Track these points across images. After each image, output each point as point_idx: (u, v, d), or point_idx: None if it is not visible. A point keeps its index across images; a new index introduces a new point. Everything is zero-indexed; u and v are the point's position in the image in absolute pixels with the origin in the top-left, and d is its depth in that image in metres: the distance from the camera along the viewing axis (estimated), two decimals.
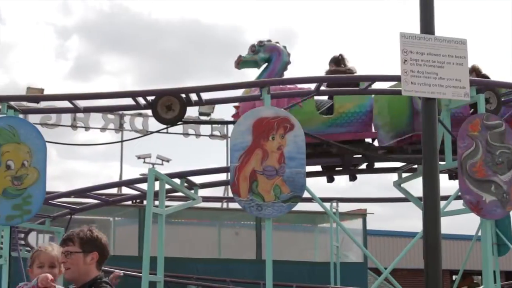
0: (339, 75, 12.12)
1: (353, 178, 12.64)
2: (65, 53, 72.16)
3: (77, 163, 63.34)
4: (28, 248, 16.75)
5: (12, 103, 10.71)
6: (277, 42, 12.15)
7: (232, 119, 12.03)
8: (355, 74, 12.21)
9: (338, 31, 70.92)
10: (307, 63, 67.51)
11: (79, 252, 4.91)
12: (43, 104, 13.54)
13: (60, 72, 68.30)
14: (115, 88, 70.22)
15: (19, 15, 68.71)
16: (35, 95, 12.67)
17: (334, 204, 18.15)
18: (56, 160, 52.66)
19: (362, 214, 23.12)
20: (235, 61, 11.95)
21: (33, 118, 22.45)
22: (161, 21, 68.16)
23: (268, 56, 12.04)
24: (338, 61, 12.41)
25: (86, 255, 4.93)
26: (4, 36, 68.68)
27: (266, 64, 12.06)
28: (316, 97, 11.70)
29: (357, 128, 11.94)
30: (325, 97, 12.10)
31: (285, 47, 12.17)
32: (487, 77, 12.52)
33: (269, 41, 12.13)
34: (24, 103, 13.67)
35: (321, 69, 12.53)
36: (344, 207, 20.09)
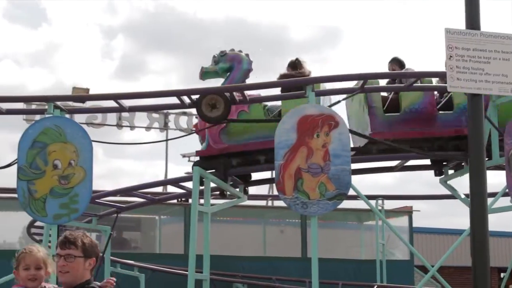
0: (384, 72, 12.05)
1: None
2: (110, 52, 72.74)
3: (123, 162, 63.85)
4: None
5: (58, 103, 10.83)
6: (239, 51, 12.09)
7: None
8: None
9: (383, 28, 70.45)
10: (352, 60, 67.20)
11: (81, 257, 4.88)
12: (88, 104, 13.64)
13: (105, 72, 68.86)
14: (160, 87, 70.61)
15: (65, 15, 69.40)
16: (81, 95, 12.79)
17: (380, 201, 18.08)
18: (102, 159, 53.13)
19: (408, 212, 22.97)
20: (199, 73, 11.96)
21: (79, 118, 22.68)
22: (206, 20, 68.32)
23: (229, 65, 11.90)
24: (294, 66, 12.32)
25: (86, 260, 4.91)
26: (51, 37, 69.45)
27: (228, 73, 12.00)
28: (268, 103, 11.96)
29: None
30: (278, 103, 12.08)
31: (247, 55, 12.05)
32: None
33: (232, 50, 12.10)
34: (70, 103, 13.82)
35: (366, 66, 12.49)
36: (389, 205, 19.99)
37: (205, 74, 11.94)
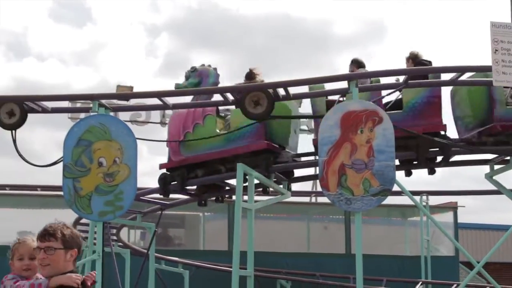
0: (427, 67, 11.95)
1: (431, 171, 12.39)
2: (154, 50, 73.17)
3: (166, 159, 64.14)
4: (121, 244, 17.08)
5: (103, 101, 10.91)
6: (209, 65, 12.54)
7: None
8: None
9: (429, 23, 69.77)
10: (397, 55, 66.65)
11: (61, 249, 4.78)
12: (132, 102, 13.72)
13: (150, 70, 69.27)
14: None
15: (110, 14, 69.94)
16: (125, 93, 12.90)
17: (424, 197, 17.97)
18: (146, 157, 53.42)
19: (453, 207, 22.78)
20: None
21: (123, 116, 22.82)
22: (249, 16, 68.38)
23: (198, 80, 12.42)
24: (249, 77, 12.35)
25: (67, 252, 4.80)
26: (95, 36, 70.03)
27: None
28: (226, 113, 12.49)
29: (250, 141, 11.99)
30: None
31: (215, 68, 12.51)
32: (425, 64, 12.20)
33: (202, 65, 12.57)
34: (115, 101, 13.90)
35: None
36: (434, 200, 19.84)
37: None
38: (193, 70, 12.51)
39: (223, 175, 12.66)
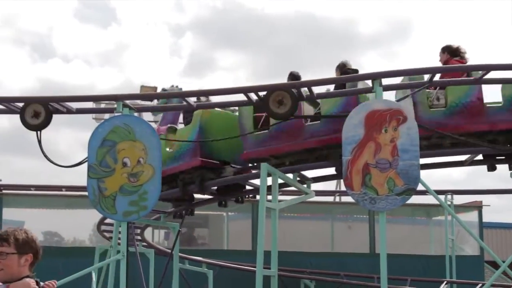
0: (451, 65, 11.89)
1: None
2: (179, 50, 73.40)
3: None
4: (145, 243, 17.14)
5: (127, 101, 10.95)
6: (177, 86, 13.23)
7: None
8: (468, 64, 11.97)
9: (455, 21, 69.41)
10: (422, 55, 66.31)
11: (14, 254, 4.71)
12: (156, 102, 13.76)
13: (174, 70, 69.53)
14: (228, 83, 71.00)
15: (134, 15, 70.23)
16: (149, 93, 12.93)
17: (449, 196, 17.89)
18: None
19: (478, 206, 22.65)
20: None
21: (147, 116, 22.90)
22: (274, 16, 68.36)
23: (166, 101, 13.14)
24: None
25: (21, 256, 4.73)
26: (120, 36, 70.37)
27: None
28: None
29: (187, 159, 12.69)
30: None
31: (180, 88, 13.12)
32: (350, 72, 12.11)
33: (172, 86, 13.27)
34: (139, 101, 13.96)
35: (437, 61, 12.34)
36: (459, 200, 19.74)
37: None
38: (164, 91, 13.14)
39: (247, 175, 12.72)
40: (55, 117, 11.27)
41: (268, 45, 64.33)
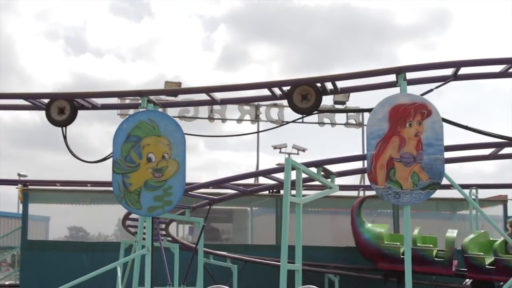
0: (477, 58, 11.83)
1: None
2: (212, 44, 73.40)
3: (222, 153, 64.35)
4: (169, 238, 17.20)
5: (151, 97, 11.00)
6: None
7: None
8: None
9: (497, 11, 68.38)
10: (461, 46, 65.56)
11: None
12: (181, 98, 13.82)
13: (207, 63, 69.39)
14: (261, 76, 70.83)
15: (168, 8, 70.24)
16: (174, 89, 13.01)
17: (474, 190, 17.80)
18: (203, 151, 53.68)
19: (503, 201, 22.51)
20: None
21: (171, 112, 22.99)
22: (310, 7, 68.00)
23: None
24: None
25: None
26: (153, 30, 70.51)
27: None
28: None
29: None
30: None
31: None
32: None
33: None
34: (163, 97, 14.02)
35: (477, 52, 12.32)
36: (484, 194, 19.65)
37: None
38: None
39: (270, 169, 12.69)
40: (87, 112, 11.35)
41: (302, 38, 64.11)
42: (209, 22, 71.98)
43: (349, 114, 29.27)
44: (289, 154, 29.87)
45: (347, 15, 65.24)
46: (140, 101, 10.96)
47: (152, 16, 74.82)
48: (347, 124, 29.77)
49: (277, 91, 11.28)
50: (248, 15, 67.71)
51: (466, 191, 15.69)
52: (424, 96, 10.58)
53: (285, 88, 11.04)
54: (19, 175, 38.15)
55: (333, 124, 29.67)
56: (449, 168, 10.15)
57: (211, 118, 27.75)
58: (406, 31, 67.20)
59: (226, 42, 69.41)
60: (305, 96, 10.76)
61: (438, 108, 10.02)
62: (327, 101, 25.07)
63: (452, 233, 17.14)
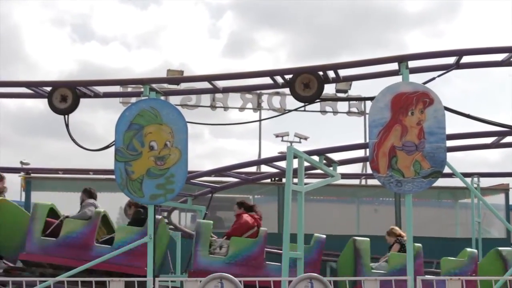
0: (480, 47, 11.83)
1: None
2: (218, 31, 73.09)
3: (226, 141, 64.10)
4: (171, 226, 17.22)
5: (153, 85, 11.01)
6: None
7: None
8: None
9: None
10: (471, 32, 65.10)
11: None
12: (183, 86, 13.84)
13: (213, 51, 69.04)
14: (268, 64, 70.29)
15: None
16: (176, 77, 13.02)
17: (476, 179, 17.80)
18: (208, 139, 53.53)
19: (505, 189, 22.50)
20: None
21: (173, 100, 22.96)
22: None
23: None
24: None
25: None
26: (158, 17, 70.24)
27: None
28: None
29: None
30: None
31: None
32: None
33: None
34: (165, 85, 14.02)
35: (486, 41, 12.31)
36: (486, 182, 19.62)
37: None
38: None
39: (272, 157, 12.71)
40: (92, 100, 11.35)
41: (310, 25, 63.51)
42: (216, 9, 71.71)
43: (351, 102, 29.27)
44: (291, 142, 29.87)
45: (355, 2, 64.69)
46: (142, 89, 10.97)
47: (159, 3, 74.54)
48: (349, 113, 29.80)
49: (279, 79, 11.28)
50: (255, 2, 67.29)
51: (468, 179, 15.69)
52: (429, 85, 10.59)
53: (287, 76, 11.04)
54: (21, 163, 38.18)
55: (335, 112, 29.68)
56: (454, 156, 10.18)
57: (213, 107, 27.80)
58: (415, 18, 66.65)
59: (232, 29, 69.14)
60: (307, 84, 10.77)
61: (444, 96, 10.05)
62: (329, 89, 25.06)
63: None
